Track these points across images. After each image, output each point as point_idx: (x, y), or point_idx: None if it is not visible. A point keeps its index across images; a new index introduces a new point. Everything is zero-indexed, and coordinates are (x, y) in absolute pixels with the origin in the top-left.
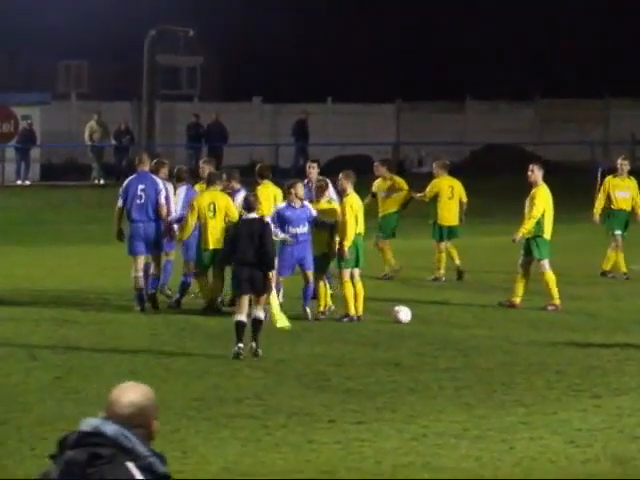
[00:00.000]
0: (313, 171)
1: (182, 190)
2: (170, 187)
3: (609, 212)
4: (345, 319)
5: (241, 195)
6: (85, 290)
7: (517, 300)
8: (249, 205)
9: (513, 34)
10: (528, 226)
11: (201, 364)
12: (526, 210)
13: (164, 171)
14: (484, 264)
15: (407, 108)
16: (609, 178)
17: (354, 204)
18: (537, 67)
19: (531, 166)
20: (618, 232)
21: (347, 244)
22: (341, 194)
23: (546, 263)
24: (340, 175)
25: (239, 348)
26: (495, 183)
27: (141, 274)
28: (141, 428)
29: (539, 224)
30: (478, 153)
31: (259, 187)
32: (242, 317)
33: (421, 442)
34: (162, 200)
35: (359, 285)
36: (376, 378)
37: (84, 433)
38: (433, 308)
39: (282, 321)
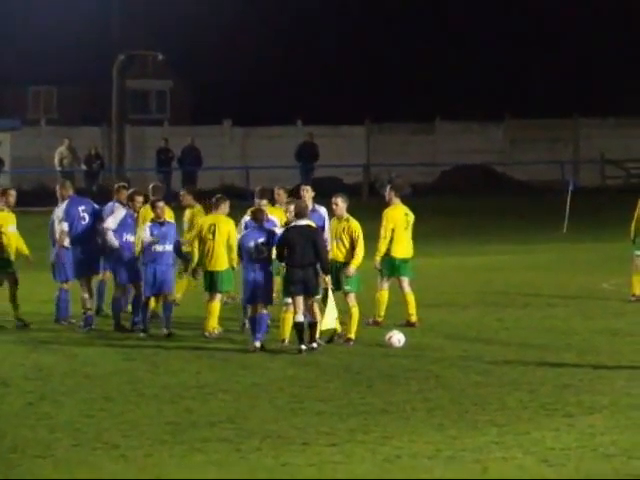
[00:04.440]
0: (307, 194)
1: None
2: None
3: None
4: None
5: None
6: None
7: (379, 319)
8: (300, 212)
9: (482, 55)
10: (382, 248)
11: (174, 389)
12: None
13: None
14: (456, 284)
15: (377, 130)
16: None
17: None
18: (507, 87)
19: (389, 186)
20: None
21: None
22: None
23: (385, 283)
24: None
25: (302, 349)
26: (465, 203)
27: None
28: None
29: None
30: (448, 173)
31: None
32: (301, 318)
33: (395, 464)
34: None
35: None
36: (349, 400)
37: None
38: (404, 329)
39: (328, 324)
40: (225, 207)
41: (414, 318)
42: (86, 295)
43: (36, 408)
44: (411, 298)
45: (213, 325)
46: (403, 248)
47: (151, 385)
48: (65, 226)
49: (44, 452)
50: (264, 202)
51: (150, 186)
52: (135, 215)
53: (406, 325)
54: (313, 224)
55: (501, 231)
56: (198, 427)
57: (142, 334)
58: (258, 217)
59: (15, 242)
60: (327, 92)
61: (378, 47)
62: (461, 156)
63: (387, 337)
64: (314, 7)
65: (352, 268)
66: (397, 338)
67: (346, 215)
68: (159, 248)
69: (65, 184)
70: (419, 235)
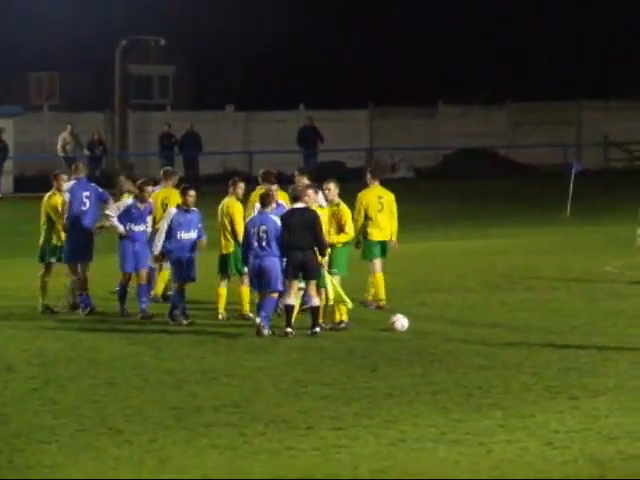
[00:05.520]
0: (299, 181)
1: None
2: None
3: None
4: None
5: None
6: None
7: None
8: (296, 195)
9: (484, 37)
10: (354, 232)
11: (178, 374)
12: None
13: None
14: (459, 267)
15: (379, 113)
16: None
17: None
18: (509, 70)
19: (369, 169)
20: None
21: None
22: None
23: (375, 263)
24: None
25: (288, 332)
26: (468, 186)
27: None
28: None
29: (364, 226)
30: (451, 157)
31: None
32: (291, 300)
33: (399, 447)
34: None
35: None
36: (353, 384)
37: None
38: (408, 312)
39: (346, 302)
40: (234, 189)
41: (383, 302)
42: (76, 278)
43: (40, 393)
44: (381, 280)
45: (247, 308)
46: (379, 231)
47: (155, 370)
48: (67, 196)
49: (48, 437)
50: (274, 187)
51: (162, 171)
52: (143, 206)
53: (376, 308)
54: (312, 207)
55: (504, 214)
56: (202, 412)
57: (185, 322)
58: (266, 202)
59: None
60: (330, 76)
61: (380, 31)
62: (464, 140)
63: (391, 322)
64: None
65: (338, 239)
66: (401, 323)
67: (337, 200)
68: (185, 235)
69: (78, 166)
70: (422, 219)
